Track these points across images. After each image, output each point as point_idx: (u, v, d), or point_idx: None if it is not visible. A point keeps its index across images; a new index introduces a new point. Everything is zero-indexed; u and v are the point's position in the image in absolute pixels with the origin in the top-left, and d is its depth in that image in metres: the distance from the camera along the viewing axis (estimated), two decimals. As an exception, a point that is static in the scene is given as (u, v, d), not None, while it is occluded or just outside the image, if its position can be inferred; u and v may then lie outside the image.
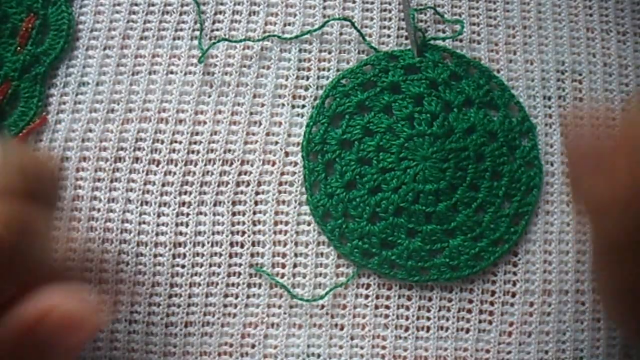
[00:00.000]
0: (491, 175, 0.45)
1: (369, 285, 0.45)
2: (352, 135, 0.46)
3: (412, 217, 0.44)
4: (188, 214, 0.46)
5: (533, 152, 0.46)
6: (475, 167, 0.45)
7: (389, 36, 0.48)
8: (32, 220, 0.33)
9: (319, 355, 0.44)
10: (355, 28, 0.48)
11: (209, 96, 0.48)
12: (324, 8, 0.49)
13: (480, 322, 0.44)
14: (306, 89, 0.47)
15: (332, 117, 0.46)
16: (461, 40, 0.48)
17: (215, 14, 0.49)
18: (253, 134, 0.47)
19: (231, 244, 0.45)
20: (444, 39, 0.48)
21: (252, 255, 0.45)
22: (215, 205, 0.46)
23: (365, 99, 0.46)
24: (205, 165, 0.46)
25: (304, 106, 0.47)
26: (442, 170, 0.45)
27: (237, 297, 0.44)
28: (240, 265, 0.45)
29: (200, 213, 0.46)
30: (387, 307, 0.44)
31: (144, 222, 0.46)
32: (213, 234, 0.45)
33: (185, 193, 0.46)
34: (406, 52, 0.47)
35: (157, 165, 0.46)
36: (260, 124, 0.47)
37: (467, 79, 0.47)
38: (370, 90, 0.46)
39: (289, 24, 0.49)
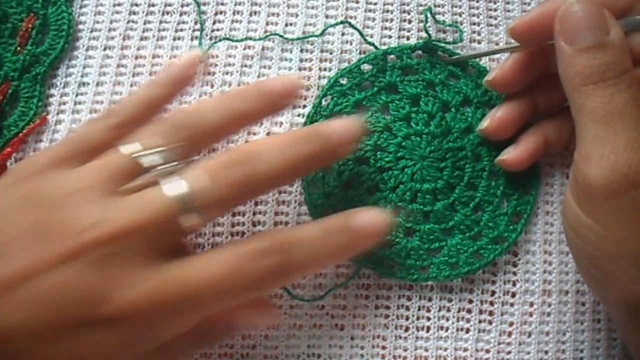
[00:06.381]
0: (488, 174, 0.45)
1: (368, 286, 0.45)
2: (349, 135, 0.45)
3: (410, 216, 0.44)
4: (188, 215, 0.46)
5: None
6: (473, 166, 0.45)
7: (390, 37, 0.48)
8: None
9: (319, 356, 0.44)
10: (354, 28, 0.48)
11: (210, 96, 0.48)
12: (327, 8, 0.49)
13: (480, 322, 0.44)
14: (307, 89, 0.47)
15: (329, 116, 0.46)
16: (462, 40, 0.48)
17: (216, 14, 0.49)
18: (254, 134, 0.47)
19: (231, 244, 0.45)
20: (445, 45, 0.48)
21: (251, 255, 0.45)
22: (215, 205, 0.46)
23: (362, 99, 0.46)
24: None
25: (304, 106, 0.47)
26: (439, 169, 0.45)
27: (237, 297, 0.44)
28: (240, 265, 0.45)
29: (200, 213, 0.46)
30: (387, 307, 0.44)
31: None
32: (213, 235, 0.45)
33: (186, 193, 0.46)
34: (404, 51, 0.47)
35: (159, 166, 0.47)
36: (262, 123, 0.47)
37: (466, 78, 0.47)
38: (368, 90, 0.46)
39: (291, 24, 0.49)
